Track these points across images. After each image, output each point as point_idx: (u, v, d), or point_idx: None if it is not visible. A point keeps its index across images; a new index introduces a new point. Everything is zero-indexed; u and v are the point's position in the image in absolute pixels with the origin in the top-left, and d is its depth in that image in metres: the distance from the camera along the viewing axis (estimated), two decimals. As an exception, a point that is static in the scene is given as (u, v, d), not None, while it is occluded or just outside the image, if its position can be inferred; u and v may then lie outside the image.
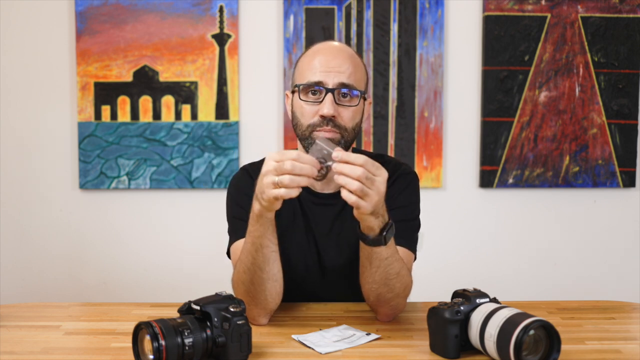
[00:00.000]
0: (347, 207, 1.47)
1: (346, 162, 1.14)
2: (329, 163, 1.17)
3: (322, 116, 1.35)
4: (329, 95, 1.35)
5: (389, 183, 1.24)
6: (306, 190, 1.47)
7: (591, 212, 2.67)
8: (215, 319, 1.06)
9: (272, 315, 1.33)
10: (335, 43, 1.45)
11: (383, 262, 1.25)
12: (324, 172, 1.19)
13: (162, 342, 1.01)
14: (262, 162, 1.48)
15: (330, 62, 1.37)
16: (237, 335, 1.06)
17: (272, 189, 1.16)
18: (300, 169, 1.14)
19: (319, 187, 1.47)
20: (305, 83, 1.37)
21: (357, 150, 1.54)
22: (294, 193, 1.15)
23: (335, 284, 1.48)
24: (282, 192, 1.15)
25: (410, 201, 1.47)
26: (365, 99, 1.42)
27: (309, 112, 1.37)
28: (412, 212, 1.45)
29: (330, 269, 1.46)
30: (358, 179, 1.13)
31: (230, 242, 1.45)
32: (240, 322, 1.07)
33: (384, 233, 1.21)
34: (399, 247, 1.31)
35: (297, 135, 1.42)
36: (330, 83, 1.36)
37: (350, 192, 1.14)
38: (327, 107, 1.34)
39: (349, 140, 1.39)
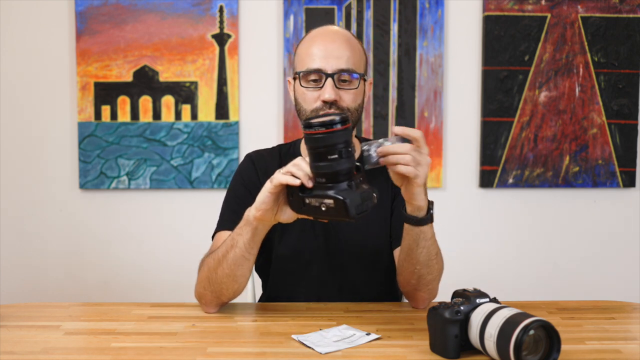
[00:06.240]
0: None
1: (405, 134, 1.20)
2: (380, 143, 1.22)
3: (323, 101, 1.39)
4: (329, 80, 1.39)
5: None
6: None
7: (591, 212, 2.67)
8: None
9: (265, 314, 1.36)
10: (333, 27, 1.48)
11: (428, 241, 1.30)
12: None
13: None
14: (267, 150, 1.57)
15: (328, 47, 1.40)
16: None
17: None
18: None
19: None
20: (304, 70, 1.41)
21: (359, 138, 1.56)
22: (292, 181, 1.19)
23: (341, 268, 1.49)
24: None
25: None
26: (365, 80, 1.46)
27: (310, 97, 1.42)
28: None
29: (337, 253, 1.48)
30: (407, 152, 1.19)
31: (217, 230, 1.52)
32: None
33: (431, 210, 1.27)
34: None
35: (301, 120, 1.45)
36: (330, 69, 1.40)
37: (405, 165, 1.19)
38: (328, 92, 1.39)
39: (354, 121, 1.42)
